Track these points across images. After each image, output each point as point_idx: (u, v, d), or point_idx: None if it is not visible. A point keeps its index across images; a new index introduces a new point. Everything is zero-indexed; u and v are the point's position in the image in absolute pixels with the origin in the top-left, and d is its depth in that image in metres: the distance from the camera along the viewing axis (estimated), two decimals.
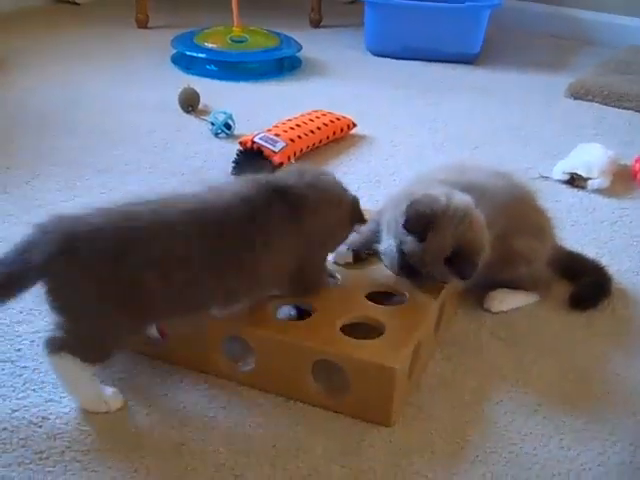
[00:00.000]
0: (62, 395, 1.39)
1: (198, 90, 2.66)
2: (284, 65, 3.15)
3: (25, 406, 1.37)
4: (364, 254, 1.61)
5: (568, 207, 2.15)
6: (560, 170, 2.28)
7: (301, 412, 1.39)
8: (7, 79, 2.84)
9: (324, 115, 2.51)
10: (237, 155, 2.23)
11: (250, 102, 2.77)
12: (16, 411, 1.35)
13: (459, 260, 1.47)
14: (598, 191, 2.22)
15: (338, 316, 1.44)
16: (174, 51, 3.13)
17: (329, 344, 1.38)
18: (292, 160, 2.27)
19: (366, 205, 1.64)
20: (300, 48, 3.19)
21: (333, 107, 2.59)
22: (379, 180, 2.25)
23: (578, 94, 2.95)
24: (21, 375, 1.44)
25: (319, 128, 2.43)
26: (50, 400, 1.38)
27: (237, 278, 1.35)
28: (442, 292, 1.53)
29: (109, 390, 1.37)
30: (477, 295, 1.70)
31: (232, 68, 3.05)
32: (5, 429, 1.31)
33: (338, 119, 2.51)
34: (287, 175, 1.45)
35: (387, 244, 1.53)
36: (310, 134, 2.39)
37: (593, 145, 2.37)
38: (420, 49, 3.27)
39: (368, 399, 1.36)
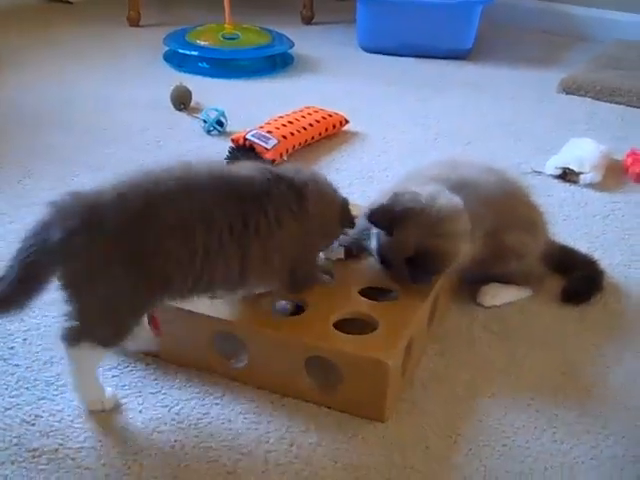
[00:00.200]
0: (55, 393, 1.39)
1: (190, 88, 2.65)
2: (276, 62, 3.15)
3: (18, 404, 1.37)
4: (355, 250, 1.61)
5: (560, 202, 2.15)
6: (552, 165, 2.29)
7: (294, 408, 1.39)
8: None
9: (316, 112, 2.51)
10: (229, 152, 2.23)
11: (242, 99, 2.77)
12: (9, 409, 1.35)
13: (417, 263, 1.48)
14: (590, 186, 2.23)
15: (331, 312, 1.44)
16: (166, 49, 3.13)
17: (322, 340, 1.38)
18: (284, 157, 2.27)
19: (358, 202, 1.65)
20: (292, 45, 3.19)
21: (325, 104, 2.59)
22: (371, 176, 2.25)
23: (570, 89, 2.95)
24: (14, 373, 1.44)
25: (311, 125, 2.43)
26: (43, 398, 1.38)
27: (252, 252, 1.33)
28: (435, 287, 1.53)
29: (108, 390, 1.37)
30: (470, 290, 1.71)
31: (224, 65, 3.04)
32: None
33: (330, 116, 2.52)
34: (286, 169, 1.45)
35: (375, 236, 1.54)
36: (302, 131, 2.39)
37: (585, 140, 2.37)
38: (412, 45, 3.27)
39: (361, 395, 1.36)
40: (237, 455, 1.29)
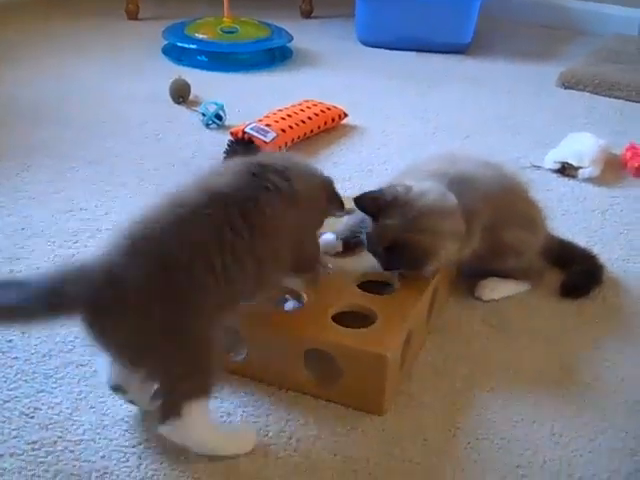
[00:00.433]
0: (53, 386, 1.39)
1: (189, 81, 2.65)
2: (275, 56, 3.14)
3: (16, 397, 1.37)
4: (353, 243, 1.61)
5: (559, 196, 2.15)
6: (551, 159, 2.29)
7: (293, 401, 1.40)
8: None
9: (315, 105, 2.51)
10: (228, 145, 2.23)
11: (241, 93, 2.76)
12: (7, 402, 1.35)
13: (394, 254, 1.49)
14: (589, 180, 2.23)
15: (330, 305, 1.44)
16: (165, 42, 3.12)
17: (321, 333, 1.39)
18: (283, 150, 2.26)
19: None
20: (291, 39, 3.18)
21: (324, 97, 2.59)
22: (371, 170, 2.25)
23: (569, 83, 2.95)
24: (12, 366, 1.44)
25: (310, 118, 2.43)
26: (42, 391, 1.38)
27: (262, 251, 1.30)
28: (433, 280, 1.53)
29: (239, 427, 1.34)
30: (468, 284, 1.71)
31: (223, 59, 3.04)
32: None
33: (329, 109, 2.51)
34: (265, 156, 1.44)
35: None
36: (301, 124, 2.39)
37: (584, 134, 2.37)
38: (411, 39, 3.26)
39: (360, 388, 1.36)
40: None
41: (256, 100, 2.68)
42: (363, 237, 1.55)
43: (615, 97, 2.86)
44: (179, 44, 3.06)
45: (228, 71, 2.97)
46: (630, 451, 1.33)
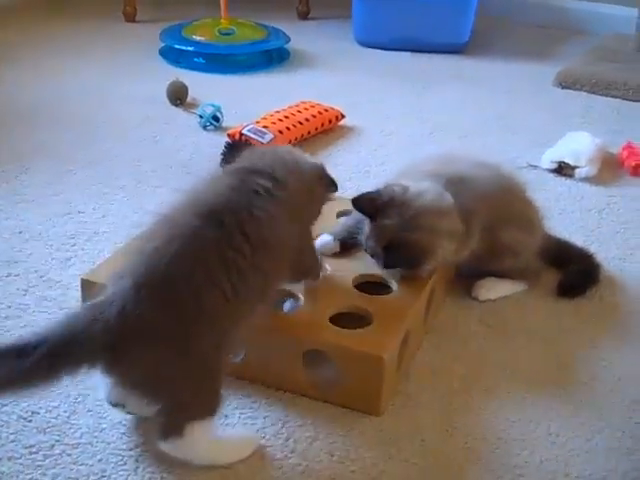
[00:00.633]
0: (51, 389, 1.38)
1: (186, 83, 2.65)
2: (272, 57, 3.15)
3: (14, 401, 1.36)
4: (350, 244, 1.62)
5: (556, 195, 2.16)
6: (548, 159, 2.29)
7: (291, 403, 1.40)
8: None
9: (313, 107, 2.51)
10: (225, 147, 2.22)
11: (238, 94, 2.77)
12: (5, 406, 1.35)
13: (391, 254, 1.49)
14: (586, 179, 2.23)
15: (327, 306, 1.45)
16: (162, 44, 3.13)
17: (318, 334, 1.39)
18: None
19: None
20: (288, 40, 3.19)
21: (322, 98, 2.59)
22: (368, 170, 2.25)
23: (566, 83, 2.96)
24: None
25: (308, 119, 2.43)
26: (39, 394, 1.38)
27: (263, 262, 1.28)
28: (430, 281, 1.53)
29: (238, 433, 1.34)
30: (465, 284, 1.71)
31: (220, 60, 3.04)
32: None
33: (327, 110, 2.52)
34: (250, 156, 1.41)
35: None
36: (299, 125, 2.39)
37: (581, 133, 2.38)
38: (408, 39, 3.27)
39: (357, 388, 1.37)
40: None
41: (253, 102, 2.68)
42: (360, 238, 1.56)
43: (612, 96, 2.87)
44: (176, 46, 3.07)
45: (225, 73, 2.98)
46: (627, 450, 1.34)
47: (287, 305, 1.51)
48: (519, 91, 2.93)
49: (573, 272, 1.77)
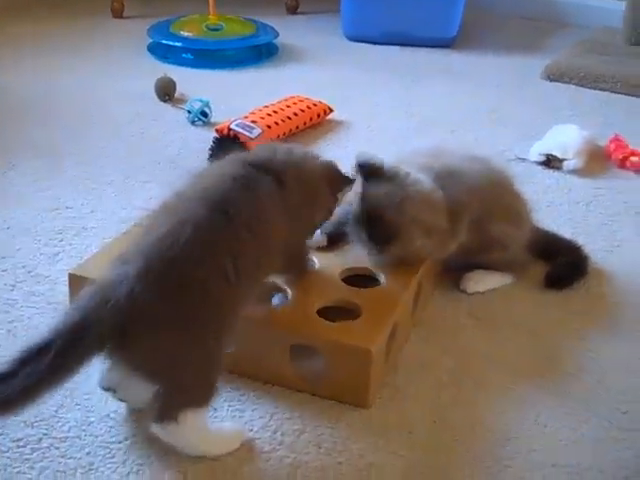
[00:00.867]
0: None
1: (175, 79, 2.65)
2: (261, 52, 3.14)
3: None
4: (337, 237, 1.62)
5: (544, 188, 2.16)
6: (536, 152, 2.30)
7: (279, 395, 1.40)
8: None
9: (301, 101, 2.51)
10: (213, 142, 2.23)
11: (227, 89, 2.76)
12: None
13: (366, 220, 1.52)
14: (573, 172, 2.24)
15: (315, 300, 1.45)
16: (150, 40, 3.12)
17: (306, 327, 1.39)
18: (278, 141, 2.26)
19: None
20: (277, 35, 3.18)
21: (310, 93, 2.59)
22: None
23: (554, 76, 2.96)
24: None
25: (296, 114, 2.43)
26: None
27: (261, 257, 1.31)
28: (419, 273, 1.54)
29: (227, 425, 1.34)
30: (453, 276, 1.72)
31: (208, 56, 3.03)
32: None
33: (315, 105, 2.51)
34: (260, 152, 1.44)
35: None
36: (287, 120, 2.39)
37: (568, 126, 2.38)
38: (397, 34, 3.27)
39: (345, 381, 1.37)
40: None
41: (242, 97, 2.68)
42: (348, 229, 1.56)
43: (600, 89, 2.87)
44: (164, 42, 3.05)
45: (214, 68, 2.97)
46: (613, 440, 1.34)
47: (276, 299, 1.51)
48: (507, 84, 2.93)
49: (561, 264, 1.78)
